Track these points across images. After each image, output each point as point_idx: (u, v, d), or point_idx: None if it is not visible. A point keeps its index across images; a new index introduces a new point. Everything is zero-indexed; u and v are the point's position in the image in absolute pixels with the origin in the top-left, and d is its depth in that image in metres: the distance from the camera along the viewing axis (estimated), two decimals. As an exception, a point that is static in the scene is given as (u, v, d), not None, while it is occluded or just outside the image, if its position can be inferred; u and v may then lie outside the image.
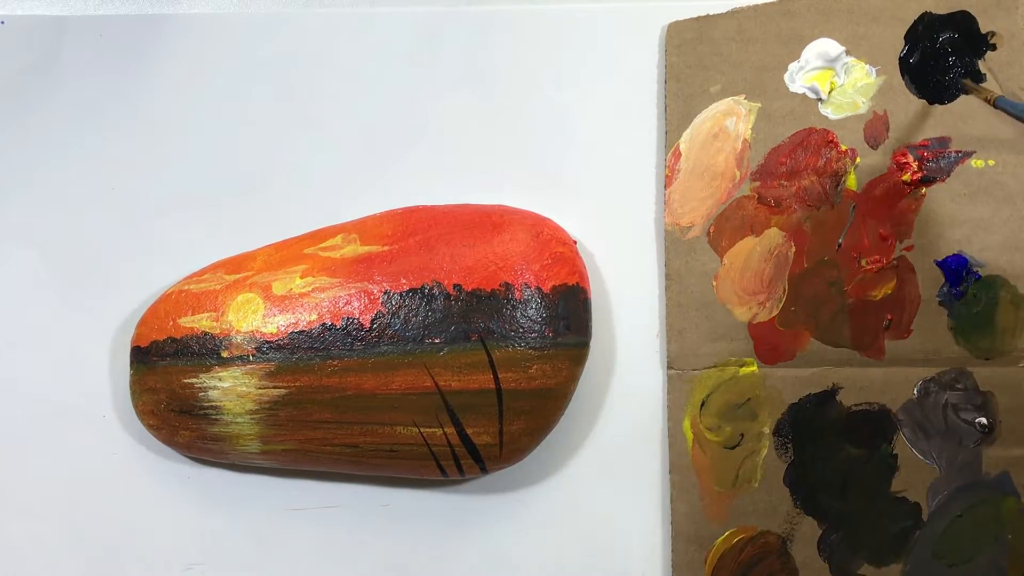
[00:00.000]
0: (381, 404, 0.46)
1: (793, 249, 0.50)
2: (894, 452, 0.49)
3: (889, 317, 0.50)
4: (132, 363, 0.48)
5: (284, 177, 0.52)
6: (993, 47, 0.50)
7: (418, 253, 0.47)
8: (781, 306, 0.50)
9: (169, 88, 0.52)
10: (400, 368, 0.46)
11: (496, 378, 0.46)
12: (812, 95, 0.51)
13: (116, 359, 0.50)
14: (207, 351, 0.46)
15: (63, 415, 0.50)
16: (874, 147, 0.50)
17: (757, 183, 0.51)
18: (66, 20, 0.52)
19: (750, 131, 0.51)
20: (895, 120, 0.50)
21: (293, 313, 0.47)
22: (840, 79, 0.51)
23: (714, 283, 0.50)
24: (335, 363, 0.46)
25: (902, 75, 0.51)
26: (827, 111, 0.51)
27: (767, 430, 0.50)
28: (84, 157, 0.52)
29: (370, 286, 0.47)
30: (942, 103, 0.50)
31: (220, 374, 0.46)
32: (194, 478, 0.50)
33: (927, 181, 0.50)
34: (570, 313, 0.47)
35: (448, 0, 0.52)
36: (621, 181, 0.51)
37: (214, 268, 0.49)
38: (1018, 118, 0.41)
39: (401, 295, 0.47)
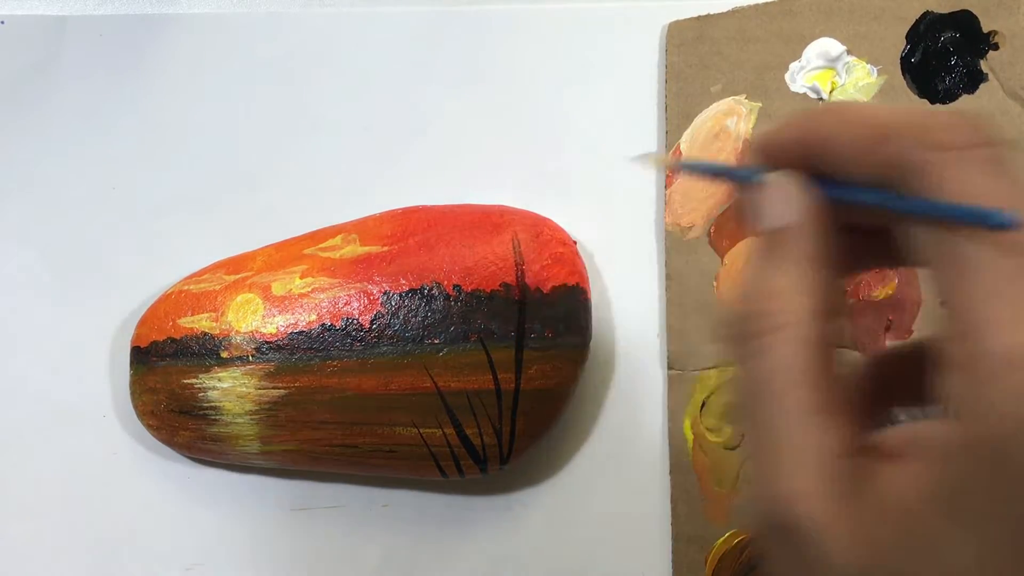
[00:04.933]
0: (380, 405, 0.46)
1: (794, 249, 0.50)
2: (895, 453, 0.49)
3: (890, 318, 0.50)
4: (132, 363, 0.48)
5: (284, 177, 0.52)
6: (995, 47, 0.50)
7: (418, 253, 0.47)
8: (782, 306, 0.50)
9: (169, 88, 0.52)
10: (400, 369, 0.46)
11: (495, 379, 0.46)
12: (813, 95, 0.51)
13: (116, 359, 0.50)
14: (206, 351, 0.46)
15: (63, 415, 0.50)
16: (875, 147, 0.50)
17: (758, 183, 0.50)
18: (66, 20, 0.52)
19: (751, 131, 0.51)
20: (896, 120, 0.50)
21: (292, 313, 0.47)
22: (841, 79, 0.51)
23: (715, 283, 0.50)
24: (334, 364, 0.46)
25: (903, 75, 0.50)
26: (828, 111, 0.51)
27: (767, 431, 0.49)
28: (84, 157, 0.52)
29: (370, 286, 0.47)
30: (944, 103, 0.50)
31: (220, 374, 0.46)
32: (194, 478, 0.50)
33: (928, 181, 0.50)
34: (570, 313, 0.47)
35: (448, 0, 0.52)
36: (621, 181, 0.51)
37: (214, 268, 0.49)
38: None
39: (401, 295, 0.47)
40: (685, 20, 0.51)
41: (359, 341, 0.46)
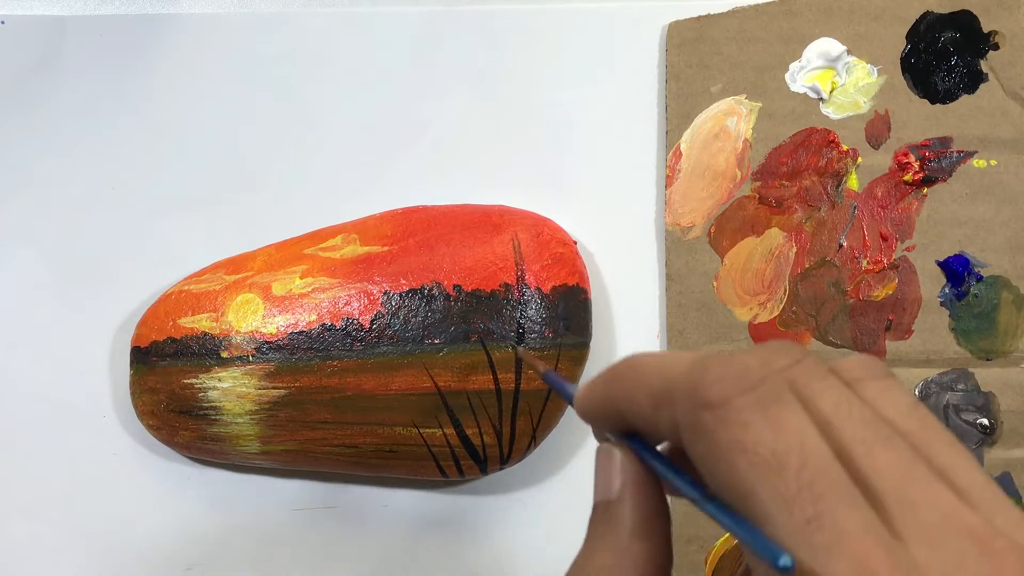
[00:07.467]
0: (380, 405, 0.46)
1: (794, 249, 0.50)
2: (895, 453, 0.49)
3: (890, 318, 0.50)
4: (132, 363, 0.48)
5: (284, 177, 0.52)
6: (995, 47, 0.50)
7: (418, 253, 0.47)
8: (782, 307, 0.50)
9: (169, 88, 0.52)
10: (400, 369, 0.46)
11: (496, 379, 0.46)
12: (813, 95, 0.51)
13: (116, 359, 0.50)
14: (207, 351, 0.46)
15: (63, 415, 0.50)
16: (875, 147, 0.50)
17: (758, 183, 0.50)
18: (66, 20, 0.52)
19: (751, 131, 0.51)
20: (896, 120, 0.50)
21: (293, 313, 0.47)
22: (841, 78, 0.51)
23: (715, 283, 0.50)
24: (335, 364, 0.46)
25: (903, 74, 0.50)
26: (828, 111, 0.51)
27: (767, 431, 0.49)
28: (84, 157, 0.52)
29: (370, 286, 0.47)
30: (944, 103, 0.50)
31: (220, 375, 0.46)
32: (194, 478, 0.50)
33: (929, 181, 0.50)
34: (570, 313, 0.47)
35: (448, 0, 0.52)
36: (621, 181, 0.51)
37: (214, 268, 0.49)
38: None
39: (401, 295, 0.47)
40: (685, 20, 0.51)
41: (359, 341, 0.46)
